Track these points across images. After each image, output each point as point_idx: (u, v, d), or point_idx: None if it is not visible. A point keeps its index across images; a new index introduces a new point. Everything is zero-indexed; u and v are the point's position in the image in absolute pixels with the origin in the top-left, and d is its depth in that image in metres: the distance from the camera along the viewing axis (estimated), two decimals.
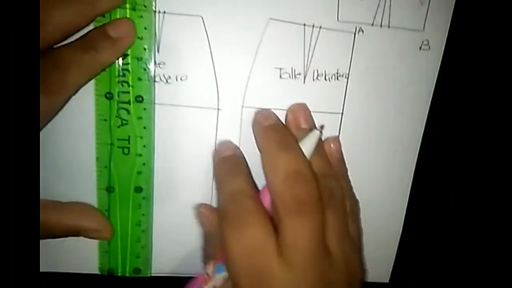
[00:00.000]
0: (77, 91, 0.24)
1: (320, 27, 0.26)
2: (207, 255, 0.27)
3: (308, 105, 0.27)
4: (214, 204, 0.29)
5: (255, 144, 0.27)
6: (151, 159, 0.27)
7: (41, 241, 0.27)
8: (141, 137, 0.26)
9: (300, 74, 0.27)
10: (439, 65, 0.28)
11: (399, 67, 0.28)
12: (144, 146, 0.27)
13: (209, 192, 0.28)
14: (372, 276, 0.32)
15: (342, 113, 0.28)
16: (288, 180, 0.22)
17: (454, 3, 0.27)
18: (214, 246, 0.26)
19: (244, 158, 0.27)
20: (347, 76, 0.27)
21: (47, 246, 0.27)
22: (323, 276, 0.22)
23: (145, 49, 0.25)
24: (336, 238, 0.23)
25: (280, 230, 0.22)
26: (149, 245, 0.29)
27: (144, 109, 0.26)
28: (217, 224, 0.26)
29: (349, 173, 0.29)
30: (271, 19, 0.26)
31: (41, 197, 0.26)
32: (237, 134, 0.28)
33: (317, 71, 0.27)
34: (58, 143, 0.26)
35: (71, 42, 0.23)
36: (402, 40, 0.27)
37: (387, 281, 0.32)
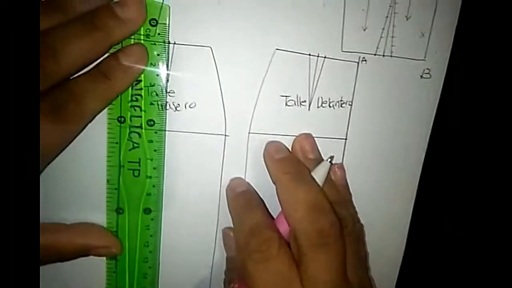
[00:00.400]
0: (93, 118, 0.25)
1: (325, 57, 0.27)
2: (229, 279, 0.28)
3: (313, 131, 0.28)
4: (219, 228, 0.29)
5: (261, 169, 0.28)
6: (160, 182, 0.28)
7: (48, 264, 0.28)
8: (152, 160, 0.27)
9: (305, 101, 0.28)
10: (439, 93, 0.29)
11: (401, 94, 0.29)
12: (154, 168, 0.27)
13: (215, 216, 0.29)
14: None
15: (346, 139, 0.29)
16: (310, 214, 0.23)
17: (454, 34, 0.28)
18: (235, 271, 0.27)
19: (257, 192, 0.28)
20: (350, 103, 0.28)
21: (55, 269, 0.28)
22: None
23: (157, 75, 0.26)
24: (354, 266, 0.24)
25: (303, 262, 0.23)
26: (156, 265, 0.30)
27: (155, 132, 0.27)
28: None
29: (353, 197, 0.29)
30: (277, 49, 0.27)
31: (51, 219, 0.27)
32: (243, 160, 0.28)
33: (322, 98, 0.28)
34: (70, 165, 0.27)
35: (85, 72, 0.24)
36: (404, 68, 0.28)
37: None
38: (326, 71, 0.27)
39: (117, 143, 0.27)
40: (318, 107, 0.28)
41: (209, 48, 0.26)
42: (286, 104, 0.28)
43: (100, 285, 0.29)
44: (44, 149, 0.23)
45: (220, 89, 0.27)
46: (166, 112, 0.27)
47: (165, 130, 0.27)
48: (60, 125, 0.23)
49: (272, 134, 0.28)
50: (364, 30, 0.27)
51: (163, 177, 0.28)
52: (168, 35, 0.25)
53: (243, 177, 0.29)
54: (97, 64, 0.24)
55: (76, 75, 0.24)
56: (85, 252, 0.27)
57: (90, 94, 0.24)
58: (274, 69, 0.27)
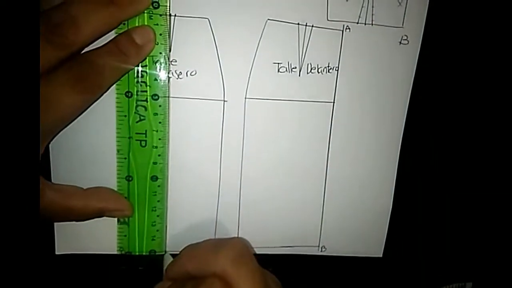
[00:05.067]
0: (107, 90, 0.27)
1: (312, 25, 0.30)
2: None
3: (303, 95, 0.31)
4: (221, 187, 0.32)
5: (257, 132, 0.30)
6: (165, 151, 0.30)
7: (63, 223, 0.29)
8: (157, 131, 0.29)
9: (295, 68, 0.30)
10: (417, 57, 0.31)
11: (382, 60, 0.31)
12: (160, 139, 0.29)
13: (217, 176, 0.31)
14: (366, 251, 0.35)
15: (333, 102, 0.32)
16: None
17: (428, 1, 0.30)
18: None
19: None
20: (337, 69, 0.31)
21: (68, 229, 0.30)
22: None
23: (160, 53, 0.28)
24: None
25: None
26: (163, 228, 0.32)
27: (160, 106, 0.29)
28: None
29: (341, 154, 0.32)
30: (269, 19, 0.29)
31: (67, 184, 0.29)
32: (241, 123, 0.31)
33: (311, 65, 0.31)
34: (82, 137, 0.29)
35: (102, 47, 0.26)
36: (384, 36, 0.31)
37: (381, 255, 0.35)
38: (314, 39, 0.30)
39: (125, 116, 0.29)
40: (307, 73, 0.31)
41: (207, 20, 0.29)
42: (278, 71, 0.30)
43: (111, 246, 0.32)
44: (64, 118, 0.25)
45: (218, 58, 0.29)
46: (169, 86, 0.29)
47: (168, 104, 0.29)
48: (82, 95, 0.24)
49: (266, 99, 0.31)
50: (347, 0, 0.30)
51: (167, 147, 0.30)
52: (170, 14, 0.28)
53: (240, 139, 0.31)
54: (111, 41, 0.26)
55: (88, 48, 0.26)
56: (100, 214, 0.29)
57: (108, 68, 0.25)
58: (266, 38, 0.30)
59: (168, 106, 0.29)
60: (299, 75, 0.31)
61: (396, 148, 0.33)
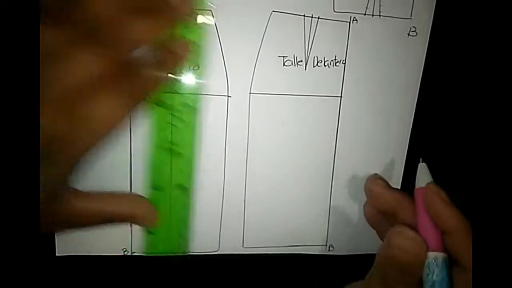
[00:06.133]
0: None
1: (318, 17, 0.29)
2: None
3: (309, 90, 0.30)
4: (225, 186, 0.31)
5: (261, 128, 0.30)
6: (193, 159, 0.30)
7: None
8: (186, 140, 0.29)
9: (301, 61, 0.30)
10: (426, 49, 0.31)
11: (390, 52, 0.30)
12: (188, 147, 0.29)
13: (221, 177, 0.31)
14: (375, 249, 0.34)
15: (341, 96, 0.31)
16: None
17: None
18: None
19: None
20: (344, 62, 0.30)
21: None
22: None
23: (195, 64, 0.28)
24: None
25: None
26: (187, 233, 0.31)
27: (192, 114, 0.29)
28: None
29: (349, 150, 0.31)
30: (273, 11, 0.28)
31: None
32: (246, 119, 0.30)
33: (317, 58, 0.30)
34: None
35: (142, 57, 0.25)
36: (392, 27, 0.30)
37: None
38: (320, 31, 0.29)
39: (158, 125, 0.28)
40: (314, 66, 0.30)
41: (210, 12, 0.28)
42: (284, 64, 0.30)
43: (112, 248, 0.31)
44: (108, 128, 0.24)
45: (222, 52, 0.29)
46: (200, 97, 0.29)
47: (197, 113, 0.29)
48: (125, 104, 0.24)
49: (272, 94, 0.30)
50: None
51: (194, 155, 0.30)
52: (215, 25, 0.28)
53: (245, 135, 0.30)
54: (151, 50, 0.25)
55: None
56: (129, 221, 0.29)
57: (149, 77, 0.25)
58: (271, 30, 0.29)
59: (197, 120, 0.29)
60: (305, 69, 0.30)
61: (404, 142, 0.32)
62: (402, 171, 0.32)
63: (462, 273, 0.25)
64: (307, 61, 0.30)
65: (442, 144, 0.33)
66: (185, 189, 0.30)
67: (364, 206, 0.31)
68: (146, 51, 0.25)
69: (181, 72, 0.28)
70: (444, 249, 0.26)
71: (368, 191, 0.30)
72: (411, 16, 0.30)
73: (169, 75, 0.26)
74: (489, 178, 0.22)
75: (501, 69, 0.23)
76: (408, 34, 0.30)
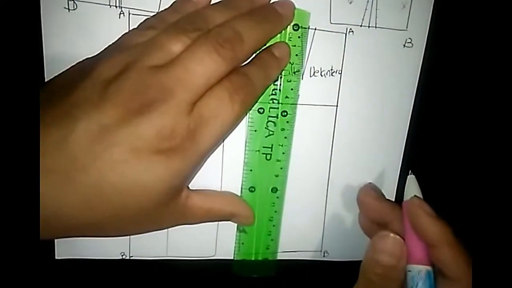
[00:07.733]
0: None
1: (315, 28, 0.29)
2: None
3: (306, 99, 0.31)
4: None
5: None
6: (287, 164, 0.31)
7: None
8: (282, 146, 0.30)
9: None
10: (421, 61, 0.31)
11: (386, 63, 0.31)
12: (283, 153, 0.30)
13: (218, 187, 0.31)
14: None
15: (337, 106, 0.31)
16: None
17: (432, 4, 0.30)
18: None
19: None
20: (340, 72, 0.31)
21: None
22: None
23: (294, 73, 0.29)
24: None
25: None
26: (277, 238, 0.33)
27: (287, 122, 0.30)
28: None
29: (344, 158, 0.32)
30: None
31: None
32: (243, 128, 0.30)
33: (314, 68, 0.30)
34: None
35: (248, 62, 0.27)
36: (387, 39, 0.30)
37: None
38: (317, 42, 0.30)
39: (255, 130, 0.30)
40: (310, 76, 0.30)
41: None
42: None
43: (111, 251, 0.32)
44: (223, 131, 0.25)
45: None
46: (297, 106, 0.30)
47: (295, 120, 0.30)
48: (239, 107, 0.25)
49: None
50: (350, 3, 0.29)
51: (289, 161, 0.31)
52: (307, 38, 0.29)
53: (242, 143, 0.31)
54: (256, 56, 0.27)
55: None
56: (229, 218, 0.30)
57: (257, 80, 0.26)
58: None
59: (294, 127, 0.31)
60: (302, 78, 0.30)
61: (399, 152, 0.32)
62: (397, 180, 0.33)
63: (448, 286, 0.26)
64: (304, 71, 0.30)
65: (437, 154, 0.33)
66: (277, 192, 0.31)
67: (359, 214, 0.32)
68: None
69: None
70: (430, 261, 0.26)
71: (361, 202, 0.31)
72: (407, 27, 0.30)
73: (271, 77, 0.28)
74: (484, 188, 0.22)
75: (497, 81, 0.23)
76: (404, 45, 0.31)
